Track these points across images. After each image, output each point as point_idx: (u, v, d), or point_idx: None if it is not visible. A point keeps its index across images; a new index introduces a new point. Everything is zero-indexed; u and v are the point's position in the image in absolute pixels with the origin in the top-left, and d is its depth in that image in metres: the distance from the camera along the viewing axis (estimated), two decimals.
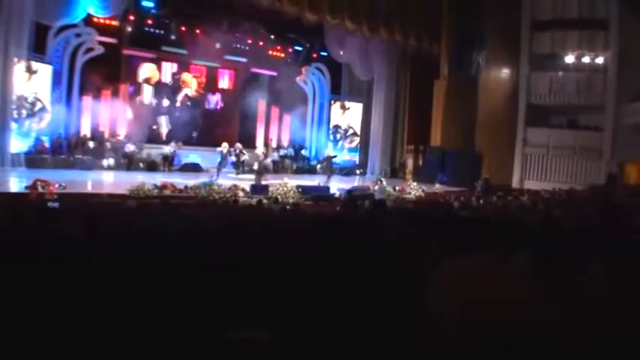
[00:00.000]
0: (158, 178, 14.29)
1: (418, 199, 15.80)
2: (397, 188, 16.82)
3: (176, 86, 21.01)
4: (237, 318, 2.03)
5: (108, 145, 18.01)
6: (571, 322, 1.65)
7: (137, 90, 20.08)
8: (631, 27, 18.82)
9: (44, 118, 16.89)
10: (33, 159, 15.87)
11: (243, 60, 21.60)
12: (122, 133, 19.07)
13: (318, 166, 20.86)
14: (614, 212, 7.06)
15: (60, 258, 2.93)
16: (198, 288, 2.22)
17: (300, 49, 22.11)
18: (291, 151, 22.24)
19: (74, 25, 17.12)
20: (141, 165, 17.85)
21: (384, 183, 16.21)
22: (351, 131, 23.89)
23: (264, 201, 11.16)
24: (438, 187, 18.47)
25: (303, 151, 22.76)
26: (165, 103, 20.70)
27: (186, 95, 21.21)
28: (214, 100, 21.95)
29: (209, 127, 21.38)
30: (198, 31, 19.59)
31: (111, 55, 18.72)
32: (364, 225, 5.00)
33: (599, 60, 19.84)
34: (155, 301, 2.08)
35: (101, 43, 18.28)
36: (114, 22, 18.10)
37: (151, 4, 18.05)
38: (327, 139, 23.42)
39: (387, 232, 4.21)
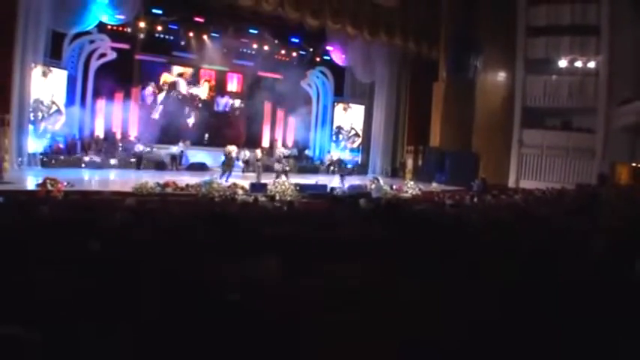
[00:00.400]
0: (165, 177, 15.21)
1: (413, 198, 16.52)
2: (394, 187, 17.56)
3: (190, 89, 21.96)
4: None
5: (119, 145, 18.94)
6: None
7: (149, 92, 20.98)
8: (621, 33, 19.51)
9: (59, 120, 17.81)
10: (48, 159, 16.81)
11: (250, 64, 22.43)
12: (133, 133, 19.94)
13: (331, 168, 21.75)
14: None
15: None
16: None
17: (304, 53, 22.92)
18: (295, 152, 23.04)
19: (88, 32, 18.02)
20: (150, 164, 18.67)
21: (381, 182, 16.96)
22: (353, 132, 24.67)
23: (262, 199, 11.99)
24: (435, 186, 19.17)
25: (306, 152, 23.55)
26: (178, 105, 21.57)
27: (198, 98, 22.15)
28: (223, 103, 22.84)
29: (218, 129, 22.26)
30: (205, 36, 20.43)
31: (123, 60, 19.64)
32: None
33: (591, 64, 20.50)
34: None
35: (114, 48, 19.21)
36: (126, 29, 19.01)
37: (160, 12, 18.87)
38: (330, 140, 24.20)
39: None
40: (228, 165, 17.51)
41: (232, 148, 18.64)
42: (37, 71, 16.71)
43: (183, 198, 12.61)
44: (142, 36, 19.44)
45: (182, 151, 19.46)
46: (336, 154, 23.53)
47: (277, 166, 18.19)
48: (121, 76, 19.51)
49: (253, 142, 22.17)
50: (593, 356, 2.23)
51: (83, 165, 17.44)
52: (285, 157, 21.05)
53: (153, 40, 20.01)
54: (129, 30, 18.96)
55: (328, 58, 22.66)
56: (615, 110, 19.91)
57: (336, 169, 20.29)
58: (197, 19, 19.73)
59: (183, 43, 20.63)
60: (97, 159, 17.90)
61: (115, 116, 19.65)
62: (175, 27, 19.81)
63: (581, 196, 14.18)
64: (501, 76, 22.15)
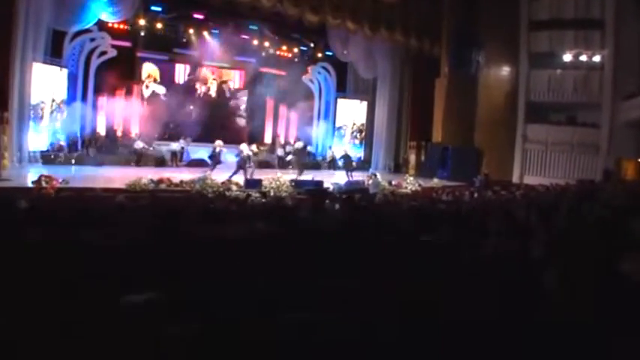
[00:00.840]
0: (165, 174, 15.28)
1: (413, 193, 16.42)
2: (393, 183, 17.48)
3: (190, 86, 22.00)
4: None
5: (120, 142, 19.09)
6: None
7: (150, 89, 21.08)
8: (626, 26, 19.17)
9: (60, 117, 17.98)
10: (48, 156, 16.99)
11: (252, 60, 22.45)
12: (134, 131, 20.07)
13: (337, 163, 21.68)
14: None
15: None
16: None
17: (305, 49, 22.87)
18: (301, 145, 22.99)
19: (89, 30, 18.16)
20: (150, 161, 18.78)
21: (379, 177, 16.88)
22: (355, 128, 24.58)
23: (255, 195, 12.02)
24: (436, 182, 19.01)
25: (308, 148, 23.51)
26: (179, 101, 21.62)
27: (204, 94, 22.21)
28: (225, 99, 22.93)
29: (221, 125, 22.26)
30: (205, 33, 20.47)
31: (125, 57, 19.78)
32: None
33: (596, 58, 20.17)
34: None
35: (116, 46, 19.33)
36: (127, 27, 19.12)
37: (159, 9, 18.95)
38: (332, 136, 24.13)
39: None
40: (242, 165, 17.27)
41: (243, 147, 18.29)
42: (37, 69, 16.85)
43: (176, 194, 12.67)
44: (142, 33, 19.55)
45: (183, 148, 19.53)
46: (341, 149, 23.34)
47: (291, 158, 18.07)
48: (123, 73, 19.64)
49: (255, 138, 22.20)
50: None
51: (83, 162, 17.56)
52: (290, 152, 21.16)
53: (154, 38, 20.10)
54: (129, 27, 19.05)
55: (330, 53, 22.57)
56: (621, 105, 19.61)
57: (341, 164, 20.10)
58: (196, 15, 19.76)
59: (184, 40, 20.71)
60: (98, 156, 18.04)
61: (116, 113, 19.79)
62: (175, 24, 19.86)
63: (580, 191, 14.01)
64: (504, 70, 21.88)
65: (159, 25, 19.40)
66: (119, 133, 19.87)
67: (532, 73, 21.33)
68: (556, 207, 6.67)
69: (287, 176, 16.07)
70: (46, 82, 17.35)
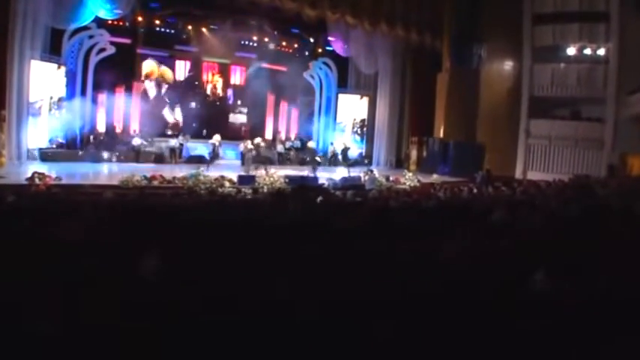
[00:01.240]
0: (162, 170, 15.37)
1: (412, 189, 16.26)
2: (391, 178, 17.33)
3: (191, 82, 22.00)
4: None
5: (118, 139, 19.14)
6: None
7: (150, 86, 21.09)
8: (631, 19, 18.79)
9: (59, 115, 18.04)
10: (46, 153, 17.08)
11: (253, 56, 22.38)
12: (135, 128, 20.09)
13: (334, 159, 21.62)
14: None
15: None
16: None
17: (305, 44, 22.73)
18: (297, 144, 22.94)
19: (87, 28, 18.18)
20: (149, 157, 18.79)
21: (376, 173, 16.75)
22: (357, 123, 24.42)
23: (246, 191, 11.99)
24: (435, 178, 18.81)
25: (309, 143, 23.41)
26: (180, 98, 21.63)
27: (205, 90, 22.24)
28: (227, 95, 22.93)
29: (221, 121, 22.31)
30: (204, 29, 20.42)
31: (124, 54, 19.79)
32: None
33: (601, 52, 19.83)
34: None
35: (115, 43, 19.34)
36: (125, 24, 19.14)
37: (156, 5, 18.94)
38: (333, 132, 23.98)
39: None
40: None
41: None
42: (35, 67, 16.91)
43: (167, 191, 12.67)
44: (142, 30, 19.56)
45: (181, 144, 19.53)
46: (341, 143, 23.24)
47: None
48: (122, 70, 19.67)
49: (255, 134, 22.19)
50: None
51: (82, 159, 17.63)
52: (287, 148, 21.08)
53: (154, 34, 20.12)
54: (128, 25, 19.06)
55: (331, 49, 22.41)
56: (625, 99, 19.26)
57: (339, 159, 19.93)
58: (194, 11, 19.70)
59: (184, 36, 20.70)
60: (97, 153, 18.10)
61: (116, 110, 19.83)
62: (174, 20, 19.84)
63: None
64: (507, 65, 21.63)
65: (157, 22, 19.39)
66: (118, 130, 19.89)
67: (535, 68, 21.05)
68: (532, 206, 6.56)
69: (284, 172, 16.10)
70: (44, 79, 17.40)
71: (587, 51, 20.05)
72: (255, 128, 22.72)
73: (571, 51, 20.29)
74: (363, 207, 7.55)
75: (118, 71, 19.46)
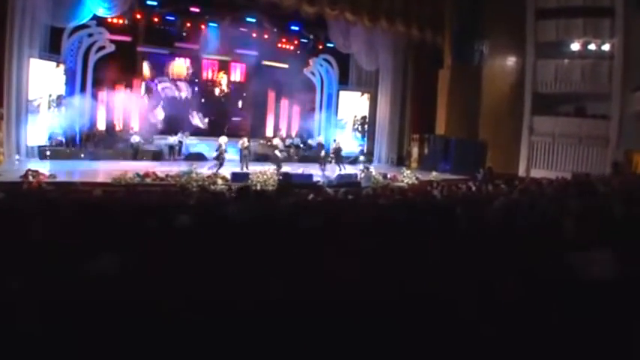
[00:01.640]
0: (160, 168, 15.43)
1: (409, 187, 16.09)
2: (389, 176, 17.19)
3: (191, 79, 22.00)
4: None
5: (117, 137, 19.21)
6: None
7: (150, 84, 21.15)
8: (636, 15, 18.40)
9: (59, 113, 18.14)
10: (45, 151, 17.18)
11: (253, 53, 22.28)
12: (134, 126, 20.13)
13: (322, 154, 21.30)
14: None
15: None
16: None
17: (305, 41, 22.63)
18: (297, 141, 22.85)
19: (86, 26, 18.25)
20: (147, 155, 18.83)
21: (372, 171, 16.62)
22: (358, 120, 24.27)
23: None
24: (435, 175, 18.58)
25: (310, 141, 23.32)
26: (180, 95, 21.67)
27: (205, 87, 22.25)
28: (228, 92, 22.87)
29: (223, 118, 22.27)
30: (203, 26, 20.41)
31: (124, 52, 19.83)
32: None
33: (605, 47, 19.45)
34: None
35: (115, 41, 19.38)
36: (125, 21, 19.18)
37: (154, 3, 18.94)
38: (335, 129, 23.83)
39: None
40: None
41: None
42: (34, 65, 17.01)
43: (159, 188, 12.66)
44: (142, 28, 19.59)
45: (180, 142, 19.53)
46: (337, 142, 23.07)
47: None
48: (122, 68, 19.70)
49: (256, 131, 22.16)
50: None
51: (80, 157, 17.71)
52: (286, 146, 20.98)
53: (154, 32, 20.15)
54: (127, 22, 19.10)
55: (332, 45, 22.26)
56: (631, 95, 18.90)
57: (332, 158, 19.87)
58: (193, 9, 19.69)
59: (184, 34, 20.70)
60: (96, 151, 18.19)
61: (116, 108, 19.90)
62: (173, 18, 19.84)
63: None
64: (510, 61, 21.33)
65: (156, 20, 19.41)
66: (118, 128, 19.95)
67: (538, 63, 20.74)
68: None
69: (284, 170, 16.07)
70: (43, 77, 17.50)
71: (592, 46, 19.67)
72: (256, 126, 22.66)
73: (575, 47, 19.93)
74: (326, 206, 7.47)
75: (119, 69, 19.50)
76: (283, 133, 23.11)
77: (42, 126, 17.67)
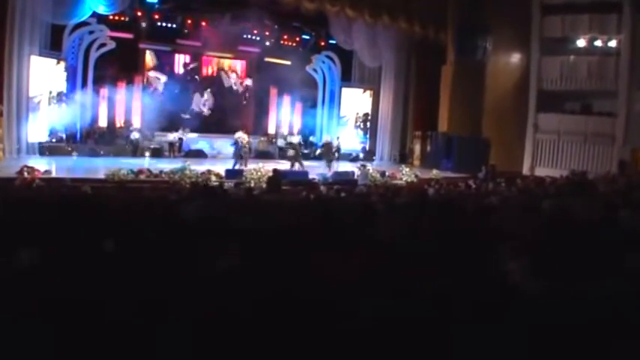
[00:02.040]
0: (157, 164, 15.47)
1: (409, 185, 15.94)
2: (387, 174, 17.03)
3: (192, 76, 22.01)
4: None
5: (118, 133, 19.30)
6: None
7: (150, 81, 21.18)
8: None
9: (59, 109, 18.27)
10: (46, 147, 17.32)
11: (255, 50, 22.29)
12: (135, 122, 20.19)
13: (318, 152, 21.25)
14: None
15: None
16: None
17: (307, 38, 22.50)
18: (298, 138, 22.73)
19: (87, 23, 18.35)
20: (146, 151, 18.88)
21: (369, 168, 16.47)
22: (360, 118, 24.10)
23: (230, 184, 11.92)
24: (435, 173, 18.39)
25: (311, 138, 23.22)
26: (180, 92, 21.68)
27: (206, 84, 22.25)
28: (229, 89, 22.81)
29: (226, 116, 22.32)
30: (203, 23, 20.40)
31: (125, 49, 19.91)
32: None
33: (612, 44, 19.07)
34: None
35: (116, 38, 19.47)
36: (127, 19, 19.26)
37: (154, 0, 18.96)
38: (337, 126, 23.70)
39: None
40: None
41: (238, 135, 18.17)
42: (36, 62, 17.13)
43: (150, 184, 12.69)
44: (144, 25, 19.65)
45: (181, 139, 19.55)
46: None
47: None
48: (124, 65, 19.80)
49: (258, 128, 22.13)
50: None
51: (81, 153, 17.83)
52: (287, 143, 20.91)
53: (155, 29, 20.19)
54: (128, 19, 19.19)
55: (334, 42, 22.11)
56: (637, 93, 18.52)
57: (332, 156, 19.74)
58: (193, 5, 19.67)
59: (186, 30, 20.72)
60: (96, 147, 18.30)
61: (117, 105, 19.98)
62: (174, 15, 19.86)
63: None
64: (514, 57, 20.97)
65: (157, 17, 19.45)
66: (119, 124, 20.03)
67: (544, 60, 20.37)
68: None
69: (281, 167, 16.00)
70: (44, 74, 17.64)
71: (598, 43, 19.30)
72: (258, 122, 22.62)
73: (581, 43, 19.57)
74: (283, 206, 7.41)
75: (120, 66, 19.59)
76: (284, 130, 23.03)
77: (42, 122, 17.81)
